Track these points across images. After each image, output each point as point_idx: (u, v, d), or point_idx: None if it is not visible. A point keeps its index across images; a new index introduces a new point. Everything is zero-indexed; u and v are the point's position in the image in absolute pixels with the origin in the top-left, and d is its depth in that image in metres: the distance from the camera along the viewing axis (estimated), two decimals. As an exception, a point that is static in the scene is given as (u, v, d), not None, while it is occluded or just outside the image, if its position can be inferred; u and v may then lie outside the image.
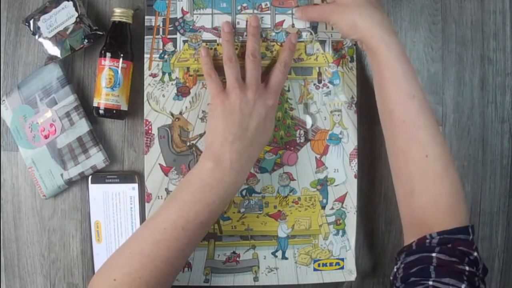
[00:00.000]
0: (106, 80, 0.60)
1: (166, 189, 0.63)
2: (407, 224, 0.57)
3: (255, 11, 0.63)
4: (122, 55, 0.60)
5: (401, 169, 0.56)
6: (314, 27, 0.64)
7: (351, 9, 0.56)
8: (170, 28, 0.63)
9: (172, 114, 0.63)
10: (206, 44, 0.63)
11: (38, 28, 0.61)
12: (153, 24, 0.63)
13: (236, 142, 0.54)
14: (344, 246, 0.65)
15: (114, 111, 0.61)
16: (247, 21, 0.63)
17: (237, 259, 0.64)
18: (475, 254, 0.50)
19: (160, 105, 0.63)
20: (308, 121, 0.64)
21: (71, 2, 0.60)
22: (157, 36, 0.63)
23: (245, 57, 0.59)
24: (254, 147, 0.56)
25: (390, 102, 0.55)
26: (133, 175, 0.63)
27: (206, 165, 0.54)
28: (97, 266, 0.63)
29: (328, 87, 0.64)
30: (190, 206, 0.53)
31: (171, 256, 0.52)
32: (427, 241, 0.51)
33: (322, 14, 0.60)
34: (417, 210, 0.54)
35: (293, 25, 0.63)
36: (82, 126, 0.63)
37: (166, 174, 0.63)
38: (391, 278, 0.54)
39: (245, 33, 0.63)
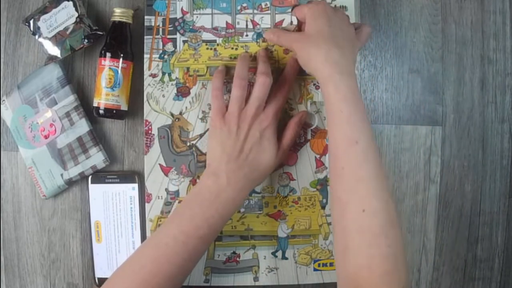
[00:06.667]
0: (106, 80, 0.60)
1: (166, 189, 0.63)
2: (342, 284, 0.51)
3: (255, 11, 0.63)
4: (122, 55, 0.60)
5: (337, 221, 0.52)
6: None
7: (311, 40, 0.55)
8: (170, 28, 0.63)
9: (172, 114, 0.63)
10: (206, 44, 0.63)
11: (38, 28, 0.61)
12: (153, 24, 0.63)
13: (232, 162, 0.56)
14: (344, 246, 0.65)
15: (114, 111, 0.61)
16: (247, 21, 0.63)
17: (237, 259, 0.64)
18: None
19: (160, 105, 0.63)
20: (308, 121, 0.64)
21: (71, 2, 0.60)
22: (157, 36, 0.63)
23: (256, 75, 0.58)
24: (251, 167, 0.56)
25: (333, 146, 0.53)
26: (133, 175, 0.63)
27: (205, 183, 0.56)
28: (97, 266, 0.63)
29: (328, 87, 0.64)
30: (189, 220, 0.54)
31: (172, 272, 0.53)
32: None
33: (289, 41, 0.58)
34: (351, 269, 0.49)
35: (291, 23, 0.63)
36: (82, 126, 0.63)
37: (166, 174, 0.63)
38: None
39: (245, 33, 0.63)
